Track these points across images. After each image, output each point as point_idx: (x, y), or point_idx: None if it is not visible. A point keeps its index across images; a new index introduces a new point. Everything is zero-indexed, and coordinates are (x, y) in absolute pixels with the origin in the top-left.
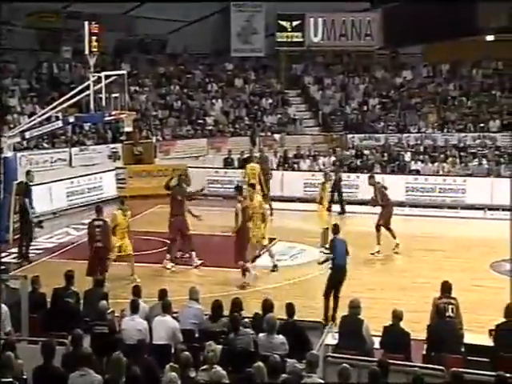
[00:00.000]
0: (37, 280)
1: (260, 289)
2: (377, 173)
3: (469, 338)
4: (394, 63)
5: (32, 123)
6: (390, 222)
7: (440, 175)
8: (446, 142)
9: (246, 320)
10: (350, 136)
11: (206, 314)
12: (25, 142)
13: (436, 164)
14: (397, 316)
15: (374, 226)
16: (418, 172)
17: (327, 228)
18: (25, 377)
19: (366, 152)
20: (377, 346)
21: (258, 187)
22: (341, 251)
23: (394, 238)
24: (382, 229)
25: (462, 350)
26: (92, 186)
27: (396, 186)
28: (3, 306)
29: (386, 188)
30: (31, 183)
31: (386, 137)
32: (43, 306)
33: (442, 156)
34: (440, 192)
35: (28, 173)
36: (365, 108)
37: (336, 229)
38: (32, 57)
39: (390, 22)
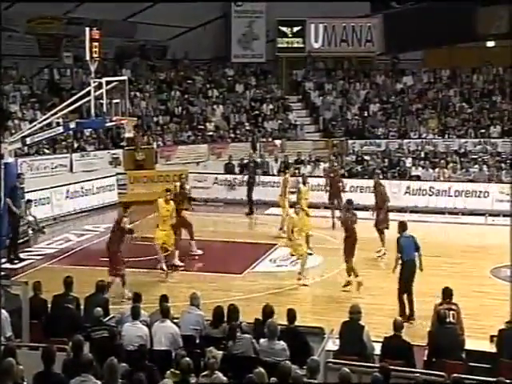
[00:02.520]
0: (38, 285)
1: (260, 294)
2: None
3: (470, 344)
4: (395, 69)
5: (33, 129)
6: (386, 225)
7: (440, 181)
8: (447, 147)
9: (245, 324)
10: (350, 142)
11: (206, 320)
12: (26, 148)
13: (437, 170)
14: (397, 326)
15: (377, 229)
16: (418, 178)
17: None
18: (25, 383)
19: (367, 158)
20: (377, 352)
21: None
22: (408, 247)
23: (383, 244)
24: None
25: (463, 355)
26: (93, 192)
27: (396, 191)
28: (3, 311)
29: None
30: (21, 185)
31: (387, 142)
32: (44, 312)
33: (442, 162)
34: (440, 198)
35: (19, 175)
36: (365, 114)
37: (402, 226)
38: (33, 63)
39: (391, 27)
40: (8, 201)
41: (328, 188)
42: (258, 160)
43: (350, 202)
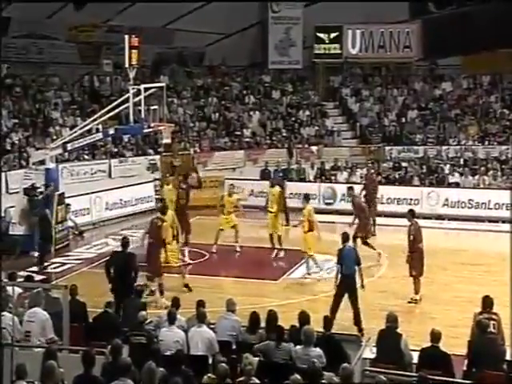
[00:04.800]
0: (75, 289)
1: (296, 301)
2: (415, 185)
3: (511, 355)
4: (433, 75)
5: (73, 135)
6: (368, 235)
7: (480, 188)
8: (487, 154)
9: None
10: (387, 148)
11: (242, 326)
12: (66, 154)
13: (476, 177)
14: (435, 338)
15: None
16: (457, 185)
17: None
18: None
19: (405, 164)
20: (415, 361)
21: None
22: (349, 260)
23: (374, 249)
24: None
25: (504, 366)
26: (131, 198)
27: (435, 198)
28: (44, 312)
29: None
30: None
31: (425, 149)
32: (82, 315)
33: (482, 169)
34: (480, 205)
35: (47, 186)
36: (403, 120)
37: (344, 237)
38: (74, 70)
39: (430, 32)
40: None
41: (364, 194)
42: (294, 166)
43: (411, 212)
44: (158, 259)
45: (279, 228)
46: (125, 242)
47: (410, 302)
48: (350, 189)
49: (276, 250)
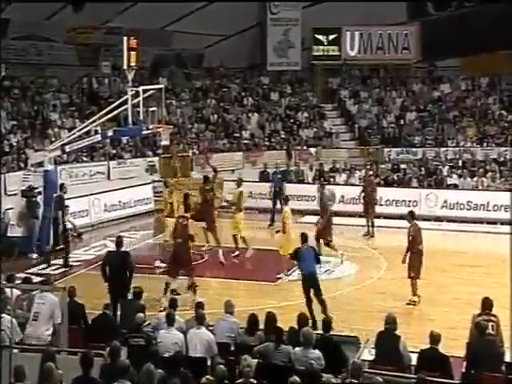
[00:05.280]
0: (73, 291)
1: (294, 303)
2: (414, 187)
3: (510, 357)
4: (432, 76)
5: (72, 137)
6: (329, 235)
7: (479, 190)
8: (486, 156)
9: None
10: (386, 150)
11: (241, 328)
12: (65, 156)
13: (475, 179)
14: (434, 340)
15: (314, 237)
16: (455, 186)
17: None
18: None
19: (403, 166)
20: (414, 362)
21: None
22: (308, 259)
23: (336, 250)
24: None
25: (503, 368)
26: (129, 199)
27: (433, 200)
28: (54, 297)
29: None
30: (65, 195)
31: (424, 151)
32: (80, 317)
33: (481, 170)
34: (479, 207)
35: (62, 186)
36: (402, 122)
37: (303, 238)
38: (72, 72)
39: (429, 34)
40: (59, 213)
41: (363, 196)
42: (292, 168)
43: (411, 213)
44: (190, 257)
45: (240, 228)
46: (119, 241)
47: (408, 304)
48: (322, 186)
49: (238, 251)
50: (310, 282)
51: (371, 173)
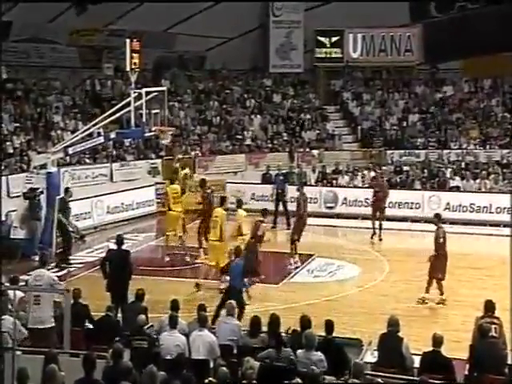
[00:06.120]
0: (78, 292)
1: (297, 305)
2: (417, 189)
3: None
4: (434, 78)
5: (75, 139)
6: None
7: (482, 192)
8: (489, 158)
9: (283, 335)
10: (389, 152)
11: (243, 330)
12: (68, 158)
13: (478, 181)
14: (437, 342)
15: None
16: (458, 189)
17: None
18: None
19: (406, 168)
20: (416, 365)
21: None
22: (235, 274)
23: (295, 252)
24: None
25: (506, 370)
26: (132, 201)
27: (436, 202)
28: (51, 274)
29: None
30: (69, 199)
31: (427, 153)
32: (85, 318)
33: (483, 173)
34: (481, 209)
35: (67, 190)
36: (404, 124)
37: (237, 252)
38: (75, 74)
39: (431, 36)
40: (60, 216)
41: (374, 200)
42: (295, 170)
43: (438, 216)
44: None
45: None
46: (120, 240)
47: (438, 303)
48: (301, 187)
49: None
50: (232, 294)
51: (381, 175)
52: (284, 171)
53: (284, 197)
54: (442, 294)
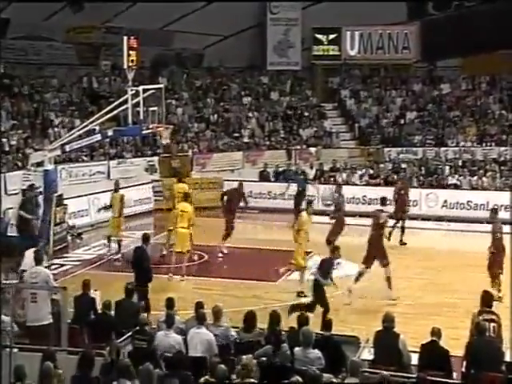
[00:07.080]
0: (88, 284)
1: (295, 303)
2: (414, 186)
3: (510, 356)
4: (432, 76)
5: (72, 136)
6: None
7: (479, 189)
8: (486, 156)
9: (282, 333)
10: (386, 149)
11: (234, 327)
12: (65, 155)
13: (475, 178)
14: (435, 333)
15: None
16: (456, 186)
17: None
18: None
19: (404, 166)
20: (414, 362)
21: None
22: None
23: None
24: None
25: (503, 368)
26: (129, 199)
27: (433, 200)
28: (46, 270)
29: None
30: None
31: (424, 150)
32: (90, 310)
33: (481, 170)
34: (479, 207)
35: (31, 186)
36: (402, 121)
37: (334, 250)
38: (72, 71)
39: (429, 34)
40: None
41: (395, 202)
42: (293, 168)
43: (495, 210)
44: (384, 249)
45: (117, 231)
46: (145, 237)
47: (495, 300)
48: (340, 188)
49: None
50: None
51: (405, 186)
52: (282, 169)
53: (304, 196)
54: (499, 290)
